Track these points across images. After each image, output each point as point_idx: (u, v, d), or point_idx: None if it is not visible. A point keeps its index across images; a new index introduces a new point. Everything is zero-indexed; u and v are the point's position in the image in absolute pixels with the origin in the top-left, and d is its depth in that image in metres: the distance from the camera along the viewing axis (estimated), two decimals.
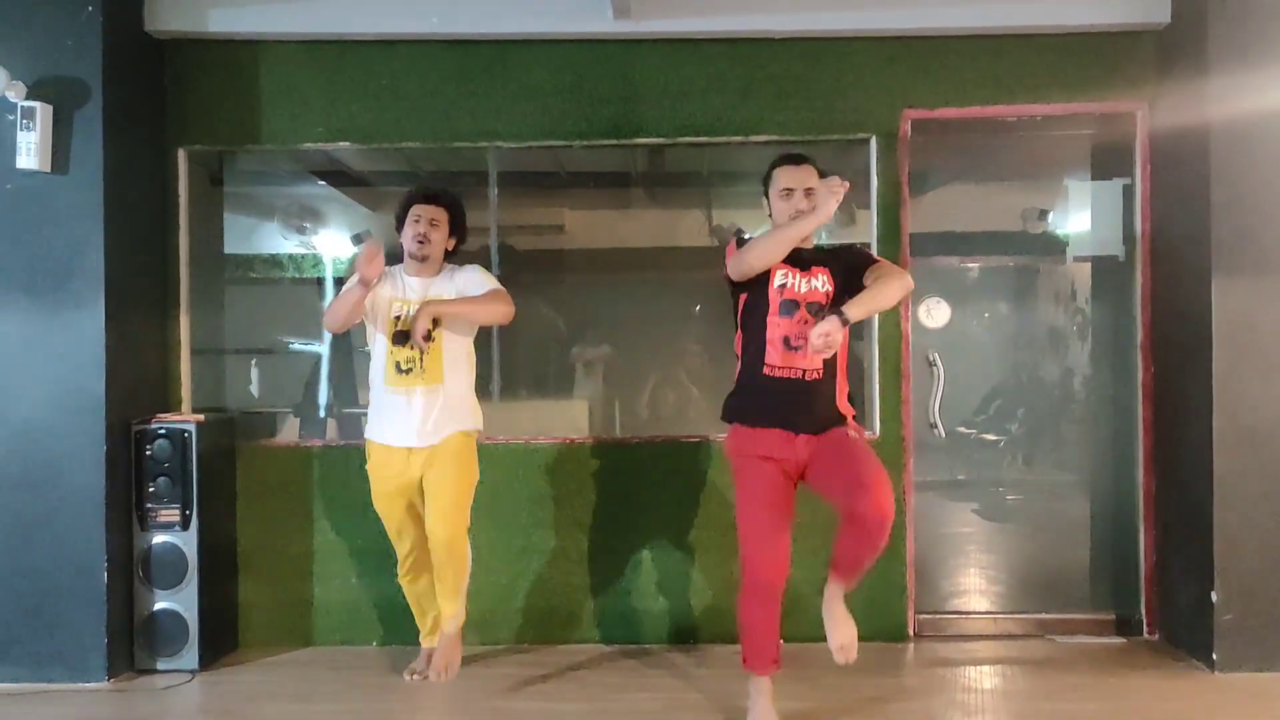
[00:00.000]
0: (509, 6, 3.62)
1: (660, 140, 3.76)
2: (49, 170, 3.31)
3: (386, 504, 3.27)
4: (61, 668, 3.33)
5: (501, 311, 3.18)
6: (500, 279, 3.30)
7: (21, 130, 3.27)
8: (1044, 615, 3.87)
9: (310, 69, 3.72)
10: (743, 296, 2.85)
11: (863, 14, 3.63)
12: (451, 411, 3.18)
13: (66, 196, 3.34)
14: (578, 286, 4.61)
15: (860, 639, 3.65)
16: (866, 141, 3.77)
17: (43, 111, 3.28)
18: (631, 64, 3.72)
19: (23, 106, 3.25)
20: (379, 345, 3.21)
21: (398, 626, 3.70)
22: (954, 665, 3.52)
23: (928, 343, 3.91)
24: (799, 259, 2.78)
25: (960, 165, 4.18)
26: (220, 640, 3.63)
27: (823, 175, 2.81)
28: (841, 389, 2.81)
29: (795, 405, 2.73)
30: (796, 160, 2.82)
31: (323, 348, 4.45)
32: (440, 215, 3.20)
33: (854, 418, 2.86)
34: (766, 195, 2.85)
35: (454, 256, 3.32)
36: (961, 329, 4.02)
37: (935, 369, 3.88)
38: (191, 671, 3.45)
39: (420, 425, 3.15)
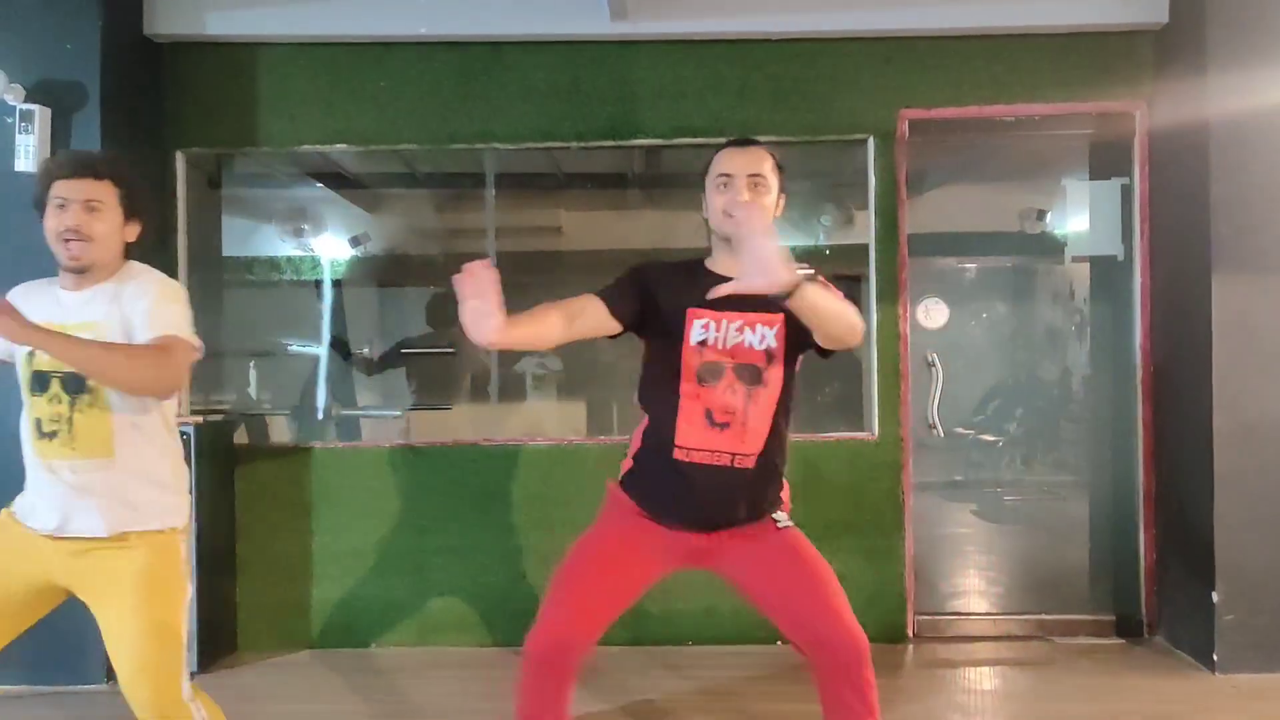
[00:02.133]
0: (506, 8, 3.62)
1: (657, 141, 3.76)
2: None
3: None
4: (60, 670, 3.33)
5: (143, 378, 1.95)
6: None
7: (20, 133, 3.27)
8: (1044, 616, 3.85)
9: (308, 71, 3.72)
10: (644, 342, 2.16)
11: (859, 14, 3.63)
12: (126, 498, 2.05)
13: None
14: (576, 288, 4.59)
15: None
16: (864, 142, 3.76)
17: (41, 114, 3.28)
18: (628, 65, 3.72)
19: (21, 109, 3.26)
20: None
21: (395, 628, 3.71)
22: (954, 666, 3.51)
23: (926, 343, 3.90)
24: (734, 299, 1.83)
25: (958, 165, 4.18)
26: (219, 642, 3.62)
27: (781, 169, 2.12)
28: (785, 465, 2.14)
29: (718, 502, 2.04)
30: (743, 143, 2.12)
31: (321, 350, 4.46)
32: (104, 193, 2.08)
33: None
34: (704, 190, 2.13)
35: (136, 250, 2.22)
36: (960, 329, 4.02)
37: (934, 369, 3.87)
38: (191, 673, 3.43)
39: (62, 513, 2.04)
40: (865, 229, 3.82)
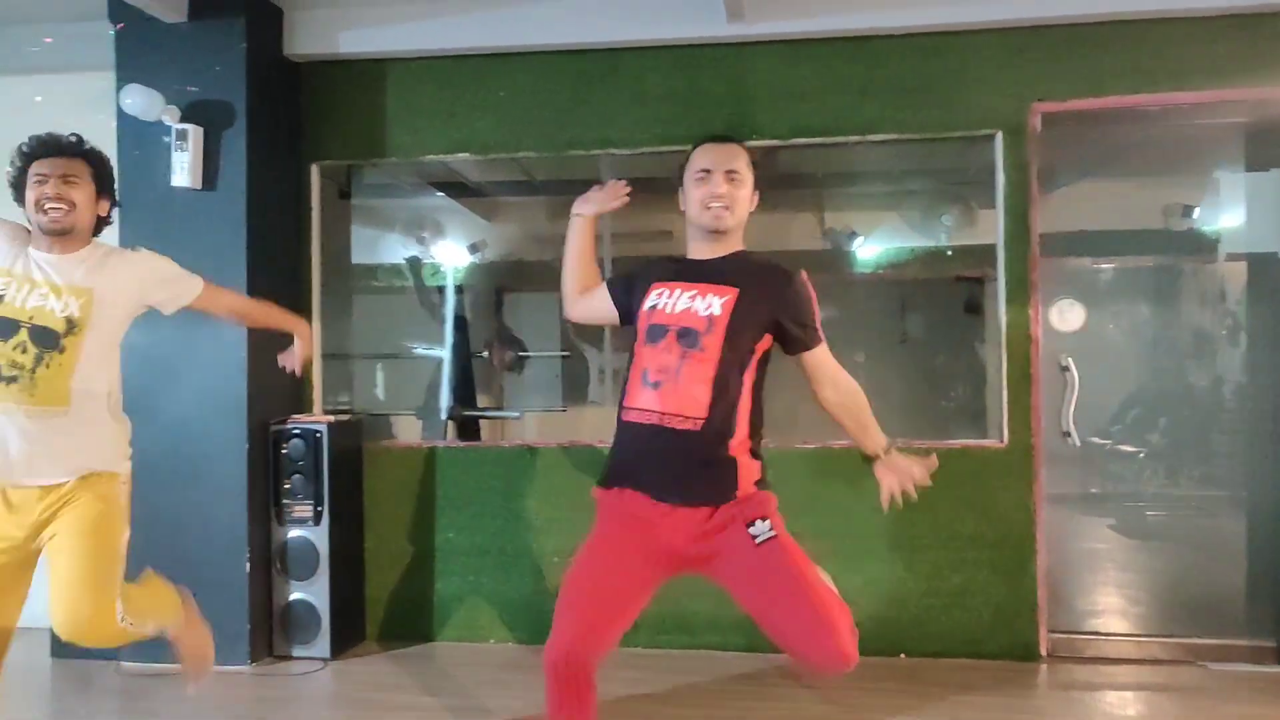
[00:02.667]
0: (622, 14, 3.64)
1: (775, 142, 3.71)
2: (199, 187, 3.55)
3: None
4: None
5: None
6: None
7: (176, 151, 3.52)
8: (1194, 640, 3.58)
9: (432, 84, 3.85)
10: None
11: (988, 4, 3.48)
12: (78, 445, 2.24)
13: (214, 211, 3.58)
14: None
15: (988, 657, 3.55)
16: (992, 137, 3.60)
17: (194, 133, 3.52)
18: (745, 66, 3.68)
19: (177, 129, 3.51)
20: None
21: (514, 626, 3.79)
22: (1093, 689, 3.31)
23: (1060, 347, 3.70)
24: (696, 270, 2.15)
25: (1094, 160, 3.95)
26: (350, 631, 3.79)
27: (755, 164, 2.22)
28: (741, 447, 2.11)
29: (660, 463, 2.07)
30: (720, 139, 2.25)
31: (444, 353, 4.60)
32: (78, 170, 2.29)
33: (760, 494, 2.14)
34: (681, 186, 2.26)
35: (102, 230, 2.42)
36: (1097, 333, 3.78)
37: (1068, 374, 3.66)
38: (324, 660, 3.62)
39: (25, 459, 2.19)
40: (990, 228, 3.66)
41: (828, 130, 3.65)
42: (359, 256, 4.42)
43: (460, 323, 4.60)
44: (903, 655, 3.61)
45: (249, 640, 3.54)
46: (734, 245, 2.21)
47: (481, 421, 4.46)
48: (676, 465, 2.07)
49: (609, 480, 2.17)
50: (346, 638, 3.75)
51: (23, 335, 2.18)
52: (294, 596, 3.63)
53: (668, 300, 2.12)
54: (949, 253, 4.25)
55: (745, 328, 2.08)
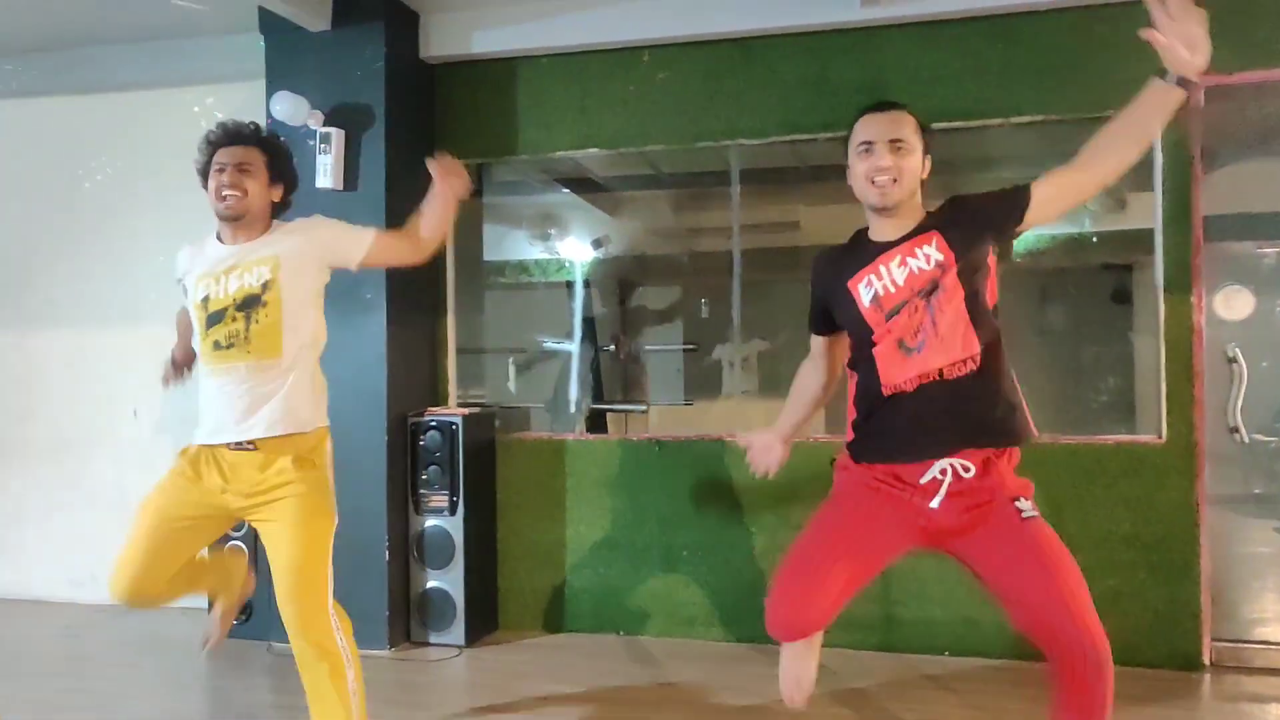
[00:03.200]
0: (754, 3, 3.60)
1: None
2: (341, 188, 3.69)
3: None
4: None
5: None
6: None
7: (320, 154, 3.67)
8: None
9: (562, 81, 3.90)
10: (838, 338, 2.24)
11: None
12: (292, 395, 2.39)
13: (356, 211, 3.66)
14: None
15: (1146, 665, 3.36)
16: None
17: (337, 136, 3.66)
18: (879, 51, 3.59)
19: (320, 133, 3.65)
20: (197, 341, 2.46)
21: (643, 618, 3.80)
22: (1260, 701, 3.09)
23: (1225, 336, 3.46)
24: (889, 248, 2.01)
25: (1261, 136, 3.68)
26: (483, 620, 3.87)
27: (925, 130, 2.06)
28: (1012, 389, 2.02)
29: (939, 426, 1.97)
30: (883, 106, 2.08)
31: (573, 347, 4.66)
32: (253, 158, 2.43)
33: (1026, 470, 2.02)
34: (848, 162, 2.10)
35: (284, 213, 2.56)
36: (1267, 321, 3.52)
37: (1235, 366, 3.42)
38: (459, 647, 3.70)
39: (242, 412, 2.35)
40: (1141, 212, 3.46)
41: (966, 114, 3.52)
42: (489, 253, 4.50)
43: (588, 317, 4.65)
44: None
45: (388, 625, 3.65)
46: (915, 216, 2.05)
47: (608, 415, 4.49)
48: (957, 413, 1.97)
49: (878, 458, 2.06)
50: (480, 626, 3.83)
51: (231, 311, 2.37)
52: (430, 584, 3.73)
53: (882, 282, 2.00)
54: (1094, 239, 4.04)
55: (970, 248, 1.97)
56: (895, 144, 2.00)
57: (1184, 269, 3.35)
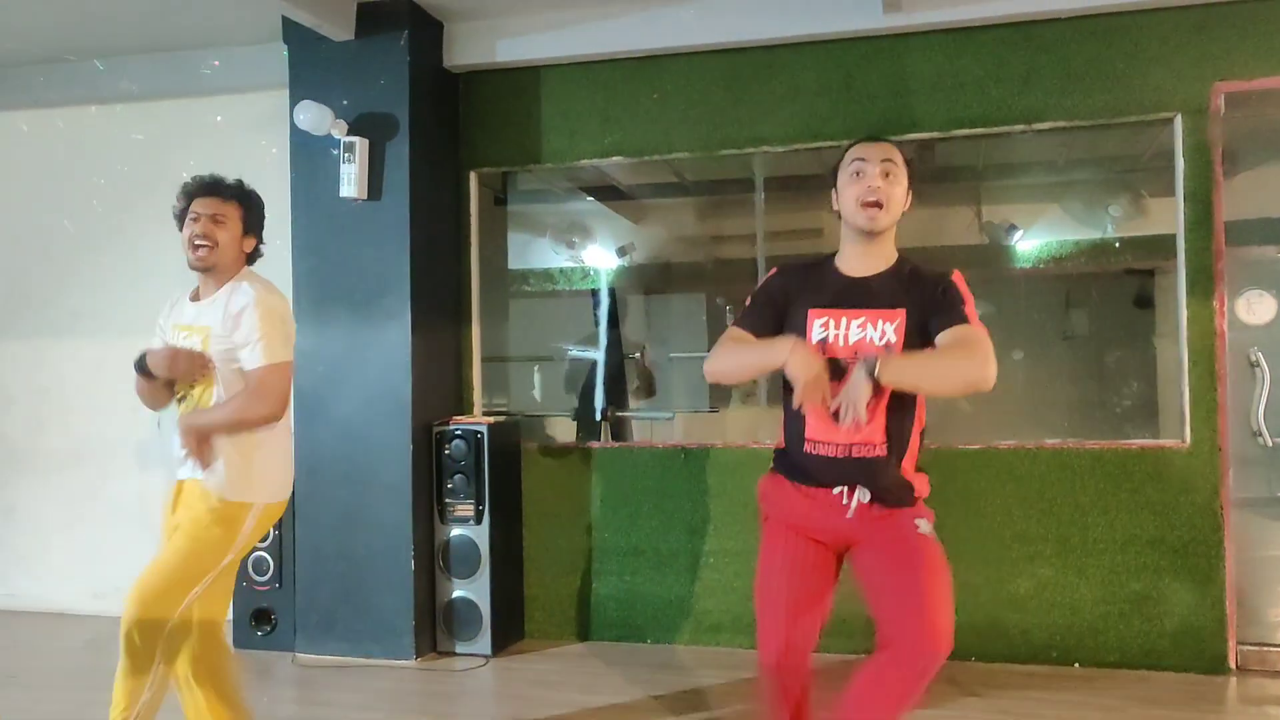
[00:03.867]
0: (777, 10, 3.62)
1: (934, 135, 3.62)
2: (365, 198, 3.69)
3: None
4: (376, 645, 3.67)
5: (257, 418, 2.38)
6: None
7: (344, 163, 3.67)
8: None
9: (586, 89, 3.91)
10: None
11: None
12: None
13: (379, 220, 3.72)
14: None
15: (1171, 669, 3.37)
16: (1170, 121, 3.43)
17: (361, 146, 3.66)
18: (903, 58, 3.61)
19: (344, 142, 3.65)
20: None
21: (670, 626, 3.80)
22: None
23: (1248, 341, 3.48)
24: (856, 293, 2.06)
25: None
26: (510, 629, 3.87)
27: (910, 163, 2.13)
28: (911, 464, 2.13)
29: (845, 475, 2.09)
30: (874, 138, 2.19)
31: (598, 354, 4.66)
32: (228, 210, 2.47)
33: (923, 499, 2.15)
34: (835, 187, 2.15)
35: (255, 261, 2.60)
36: None
37: (1258, 370, 3.45)
38: (485, 656, 3.70)
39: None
40: (1162, 218, 3.49)
41: (990, 121, 3.54)
42: (513, 262, 4.50)
43: (613, 325, 4.65)
44: (1076, 665, 3.46)
45: (414, 636, 3.65)
46: (889, 252, 2.12)
47: (634, 422, 4.49)
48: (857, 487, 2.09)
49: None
50: (506, 635, 3.83)
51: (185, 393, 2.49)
52: (456, 594, 3.72)
53: (836, 332, 2.06)
54: (1116, 245, 4.06)
55: (919, 342, 2.04)
56: (886, 164, 2.07)
57: (1206, 274, 3.37)
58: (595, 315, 4.62)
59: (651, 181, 4.47)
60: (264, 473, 2.45)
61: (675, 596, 3.80)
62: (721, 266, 4.60)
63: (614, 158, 3.91)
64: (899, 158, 2.10)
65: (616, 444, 4.09)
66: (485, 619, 3.70)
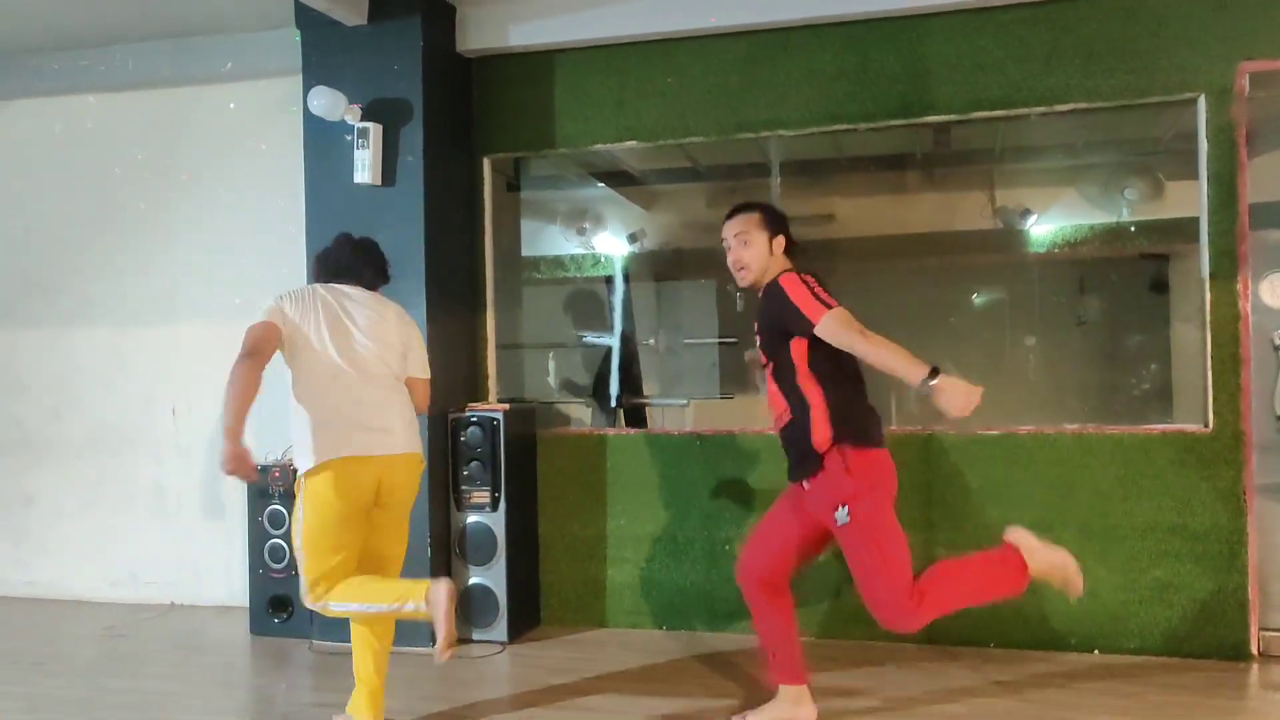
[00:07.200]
0: None
1: (952, 117, 3.58)
2: (379, 183, 3.67)
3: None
4: (397, 633, 3.66)
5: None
6: None
7: (358, 149, 3.65)
8: None
9: (599, 73, 3.88)
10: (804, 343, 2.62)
11: None
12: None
13: (393, 206, 3.69)
14: (847, 277, 4.49)
15: (1193, 655, 3.35)
16: (1193, 101, 3.38)
17: (374, 131, 3.64)
18: (921, 39, 3.57)
19: (358, 128, 3.63)
20: None
21: (686, 613, 3.79)
22: None
23: (1271, 324, 3.44)
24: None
25: None
26: (526, 616, 3.87)
27: (764, 211, 2.74)
28: (819, 422, 2.58)
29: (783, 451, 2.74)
30: (730, 214, 2.76)
31: (613, 341, 4.64)
32: None
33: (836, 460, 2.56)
34: None
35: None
36: None
37: None
38: (502, 643, 3.70)
39: None
40: (1179, 201, 3.45)
41: (1009, 102, 3.50)
42: (526, 249, 4.48)
43: (626, 312, 4.64)
44: (1096, 651, 3.44)
45: (430, 622, 3.64)
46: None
47: (647, 409, 4.47)
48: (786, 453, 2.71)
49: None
50: (523, 622, 3.83)
51: None
52: (473, 581, 3.72)
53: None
54: (1132, 229, 4.02)
55: (769, 344, 2.64)
56: (740, 237, 2.68)
57: (1229, 256, 3.33)
58: (610, 302, 4.60)
59: (664, 167, 4.43)
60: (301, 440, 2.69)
61: (691, 583, 3.80)
62: None
63: (628, 142, 3.89)
64: (750, 221, 2.68)
65: (632, 430, 4.08)
66: (502, 606, 3.70)
